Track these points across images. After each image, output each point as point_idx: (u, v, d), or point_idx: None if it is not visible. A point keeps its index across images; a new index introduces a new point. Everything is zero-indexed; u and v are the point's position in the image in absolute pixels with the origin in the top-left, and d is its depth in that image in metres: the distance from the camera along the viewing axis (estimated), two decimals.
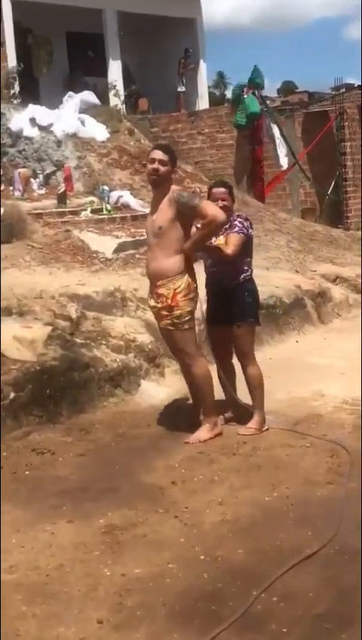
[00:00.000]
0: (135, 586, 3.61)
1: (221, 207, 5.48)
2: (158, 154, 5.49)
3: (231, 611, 3.35)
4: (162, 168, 5.43)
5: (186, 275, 5.46)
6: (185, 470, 5.01)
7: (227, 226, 5.56)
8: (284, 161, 15.93)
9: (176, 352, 5.77)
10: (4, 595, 3.55)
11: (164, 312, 5.49)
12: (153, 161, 5.47)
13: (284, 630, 3.22)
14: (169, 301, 5.44)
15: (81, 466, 5.21)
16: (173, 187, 5.55)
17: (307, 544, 3.93)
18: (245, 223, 5.67)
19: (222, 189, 5.66)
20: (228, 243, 5.56)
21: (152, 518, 4.33)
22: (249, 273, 5.73)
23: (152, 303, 5.62)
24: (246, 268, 5.71)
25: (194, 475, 4.93)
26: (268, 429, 5.66)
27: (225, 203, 5.55)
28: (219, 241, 5.57)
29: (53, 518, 4.34)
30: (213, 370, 5.85)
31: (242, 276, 5.67)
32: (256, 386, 5.73)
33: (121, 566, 3.80)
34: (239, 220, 5.66)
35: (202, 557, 3.87)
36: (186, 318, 5.48)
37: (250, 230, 5.73)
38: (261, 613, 3.35)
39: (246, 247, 5.68)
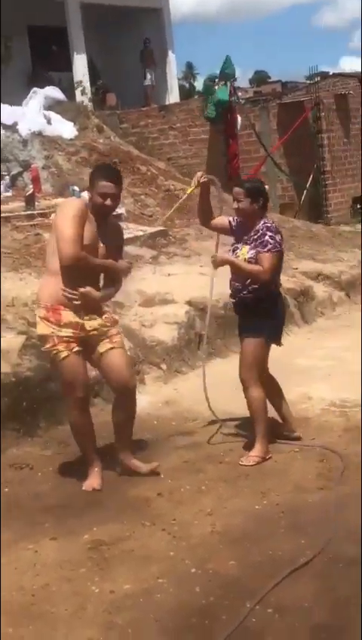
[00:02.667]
0: (125, 603, 3.65)
1: (235, 209, 5.39)
2: (110, 187, 4.91)
3: (226, 625, 3.40)
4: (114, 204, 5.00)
5: None
6: (171, 480, 5.05)
7: (254, 235, 5.34)
8: None
9: (129, 375, 5.17)
10: None
11: (114, 331, 5.14)
12: (105, 196, 4.90)
13: None
14: (114, 319, 5.28)
15: (62, 480, 5.23)
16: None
17: (300, 553, 3.98)
18: (276, 237, 5.32)
19: (238, 189, 5.37)
20: (262, 264, 5.25)
21: (139, 532, 4.36)
22: (274, 289, 5.46)
23: (94, 323, 5.01)
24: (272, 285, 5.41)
25: (180, 485, 4.97)
26: (271, 457, 5.36)
27: (239, 204, 5.35)
28: (243, 252, 5.33)
29: (35, 536, 4.36)
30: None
31: (264, 292, 5.35)
32: (256, 411, 5.41)
33: (109, 583, 3.83)
34: (270, 233, 5.30)
35: (193, 570, 3.91)
36: None
37: (283, 244, 5.40)
38: (256, 627, 3.40)
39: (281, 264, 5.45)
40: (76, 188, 11.34)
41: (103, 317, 5.10)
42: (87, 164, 12.63)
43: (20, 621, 3.54)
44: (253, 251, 5.33)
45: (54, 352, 4.93)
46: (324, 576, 3.77)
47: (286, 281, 9.80)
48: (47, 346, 4.96)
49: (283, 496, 4.72)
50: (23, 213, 10.75)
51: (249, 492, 4.82)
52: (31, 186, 11.37)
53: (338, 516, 4.33)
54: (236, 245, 5.48)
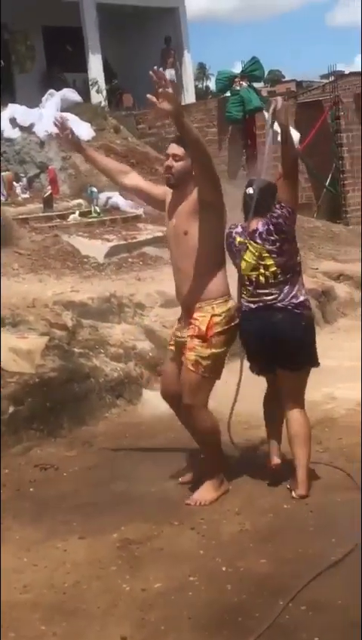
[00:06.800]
0: (157, 601, 3.68)
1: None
2: (173, 147, 4.78)
3: (259, 622, 3.43)
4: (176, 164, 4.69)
5: (230, 302, 4.76)
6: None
7: None
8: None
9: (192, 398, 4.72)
10: (20, 616, 3.62)
11: (190, 344, 4.64)
12: (167, 156, 4.79)
13: (316, 639, 3.31)
14: (203, 329, 4.63)
15: (87, 480, 5.28)
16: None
17: (331, 551, 4.01)
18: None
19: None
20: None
21: (168, 531, 4.41)
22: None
23: (179, 333, 4.81)
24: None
25: None
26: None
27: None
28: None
29: (63, 535, 4.41)
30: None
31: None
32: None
33: (140, 581, 3.87)
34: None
35: (224, 568, 3.95)
36: (216, 363, 4.68)
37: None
38: (290, 624, 3.43)
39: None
40: (94, 189, 11.41)
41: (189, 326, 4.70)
42: None
43: (53, 618, 3.59)
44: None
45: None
46: (357, 574, 3.79)
47: (307, 282, 9.82)
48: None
49: (311, 496, 4.75)
50: (41, 214, 10.85)
51: (276, 492, 4.85)
52: (49, 188, 11.46)
53: None
54: None
